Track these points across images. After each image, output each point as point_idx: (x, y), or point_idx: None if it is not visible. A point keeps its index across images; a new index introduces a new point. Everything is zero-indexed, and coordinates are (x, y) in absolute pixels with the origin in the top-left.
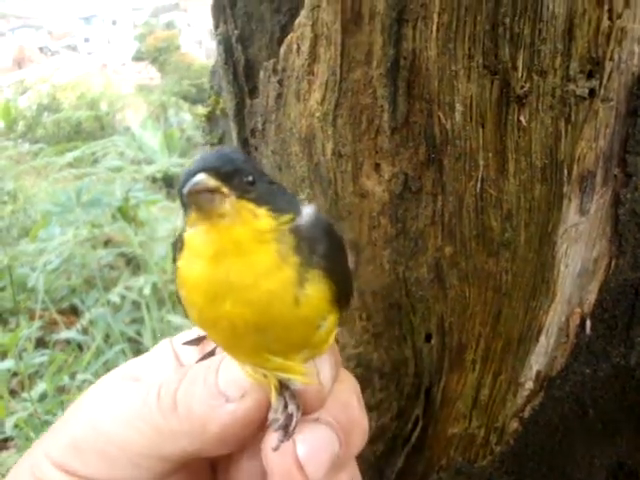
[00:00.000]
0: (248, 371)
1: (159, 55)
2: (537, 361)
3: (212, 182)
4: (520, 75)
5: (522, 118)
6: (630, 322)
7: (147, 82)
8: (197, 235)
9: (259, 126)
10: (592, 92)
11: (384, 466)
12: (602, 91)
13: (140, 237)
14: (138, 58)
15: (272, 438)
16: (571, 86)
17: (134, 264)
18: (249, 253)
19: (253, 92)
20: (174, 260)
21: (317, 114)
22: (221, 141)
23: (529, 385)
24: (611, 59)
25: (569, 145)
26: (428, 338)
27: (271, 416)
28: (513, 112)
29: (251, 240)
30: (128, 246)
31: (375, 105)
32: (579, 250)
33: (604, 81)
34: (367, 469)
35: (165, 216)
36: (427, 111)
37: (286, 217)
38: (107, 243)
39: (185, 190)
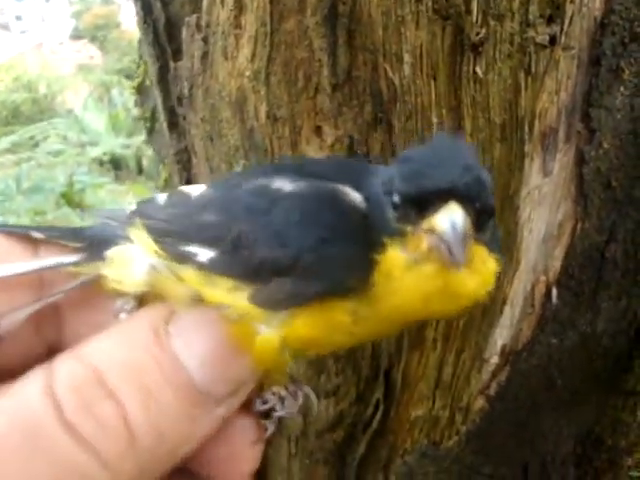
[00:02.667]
0: (284, 356)
1: (98, 32)
2: (502, 335)
3: (470, 227)
4: (475, 20)
5: (478, 69)
6: (597, 287)
7: (87, 61)
8: (415, 267)
9: (185, 92)
10: (553, 40)
11: (346, 453)
12: (563, 38)
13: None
14: (76, 36)
15: (258, 427)
16: (530, 32)
17: None
18: (462, 292)
19: (177, 54)
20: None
21: (247, 73)
22: (154, 114)
23: (494, 360)
24: (572, 2)
25: (529, 99)
26: None
27: (269, 402)
28: (468, 62)
29: (471, 286)
30: None
31: (312, 59)
32: (543, 214)
33: (565, 27)
34: (328, 457)
35: (113, 199)
36: (372, 64)
37: (501, 262)
38: None
39: (448, 231)
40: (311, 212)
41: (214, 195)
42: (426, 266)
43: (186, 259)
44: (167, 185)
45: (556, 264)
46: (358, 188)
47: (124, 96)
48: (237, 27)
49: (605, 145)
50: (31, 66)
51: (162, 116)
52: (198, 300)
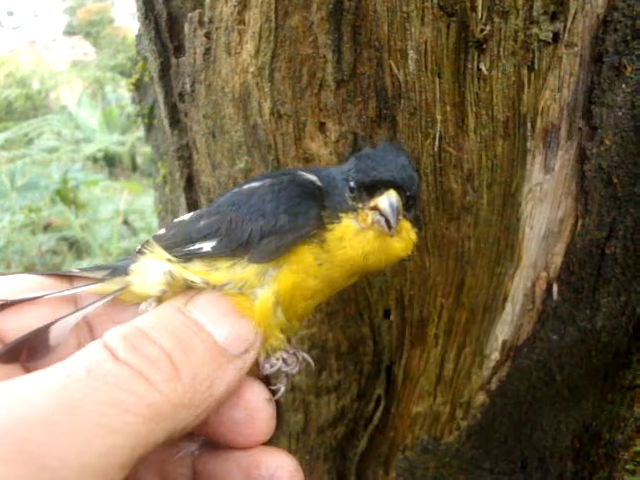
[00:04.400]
0: (279, 319)
1: (92, 29)
2: (502, 330)
3: (401, 208)
4: (480, 16)
5: (482, 66)
6: (596, 283)
7: (81, 58)
8: (362, 233)
9: (187, 88)
10: (556, 37)
11: (346, 449)
12: (566, 35)
13: (82, 219)
14: (70, 33)
15: (264, 388)
16: (534, 29)
17: (77, 248)
18: (391, 252)
19: (179, 50)
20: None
21: (251, 69)
22: (152, 110)
23: (495, 356)
24: None
25: (532, 96)
26: (387, 314)
27: (276, 365)
28: (472, 59)
29: (398, 248)
30: (69, 230)
31: (317, 55)
32: (544, 210)
33: (568, 24)
34: (328, 453)
35: (108, 196)
36: (377, 60)
37: (419, 232)
38: (47, 228)
39: (387, 209)
40: (279, 190)
41: (202, 211)
42: (369, 232)
43: (192, 256)
44: (166, 182)
45: (557, 260)
46: (312, 174)
47: (118, 93)
48: (241, 23)
49: (606, 142)
50: (24, 62)
51: (163, 112)
52: (205, 286)
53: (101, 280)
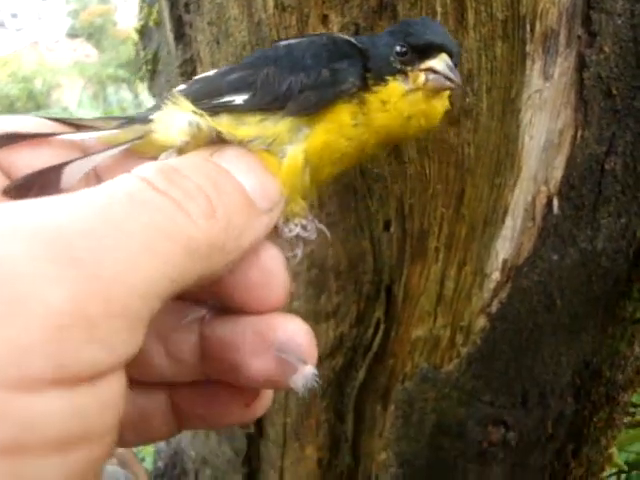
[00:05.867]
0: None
1: (94, 31)
2: (503, 247)
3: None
4: None
5: None
6: (596, 202)
7: (83, 60)
8: (410, 94)
9: None
10: None
11: (344, 383)
12: None
13: None
14: (72, 35)
15: (280, 252)
16: None
17: None
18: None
19: None
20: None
21: None
22: (156, 56)
23: (495, 276)
24: None
25: None
26: (387, 226)
27: (294, 230)
28: None
29: (439, 108)
30: None
31: None
32: (543, 120)
33: None
34: (326, 387)
35: None
36: None
37: None
38: None
39: (445, 68)
40: (320, 47)
41: (229, 67)
42: (418, 93)
43: (220, 109)
44: None
45: (557, 174)
46: (351, 38)
47: (119, 94)
48: None
49: (605, 49)
50: (27, 63)
51: (168, 27)
52: (232, 139)
53: (117, 128)
